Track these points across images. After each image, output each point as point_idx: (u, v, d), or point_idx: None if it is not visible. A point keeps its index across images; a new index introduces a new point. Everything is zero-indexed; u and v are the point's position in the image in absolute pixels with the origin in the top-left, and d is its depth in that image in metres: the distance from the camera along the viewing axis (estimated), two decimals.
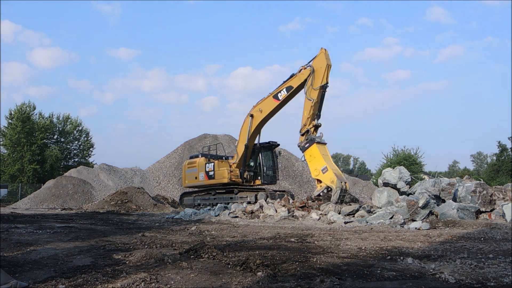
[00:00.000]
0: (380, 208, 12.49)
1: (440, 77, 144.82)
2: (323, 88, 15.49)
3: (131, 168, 32.33)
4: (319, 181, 15.02)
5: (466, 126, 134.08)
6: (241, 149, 18.65)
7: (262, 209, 13.97)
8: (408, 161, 37.65)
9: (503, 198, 12.09)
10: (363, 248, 6.39)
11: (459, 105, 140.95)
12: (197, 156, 20.96)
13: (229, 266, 4.82)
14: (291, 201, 15.28)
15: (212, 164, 19.49)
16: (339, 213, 12.39)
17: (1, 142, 36.81)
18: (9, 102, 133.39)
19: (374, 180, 36.46)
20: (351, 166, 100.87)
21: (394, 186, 13.78)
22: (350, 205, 13.44)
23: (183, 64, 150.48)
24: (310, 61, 16.00)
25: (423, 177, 28.32)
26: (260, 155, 19.39)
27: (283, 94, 16.84)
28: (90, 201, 24.77)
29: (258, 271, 4.39)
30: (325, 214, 12.54)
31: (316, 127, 15.67)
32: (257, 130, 18.40)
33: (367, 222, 10.76)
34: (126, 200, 19.98)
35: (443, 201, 12.15)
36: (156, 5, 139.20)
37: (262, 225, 10.89)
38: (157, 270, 4.68)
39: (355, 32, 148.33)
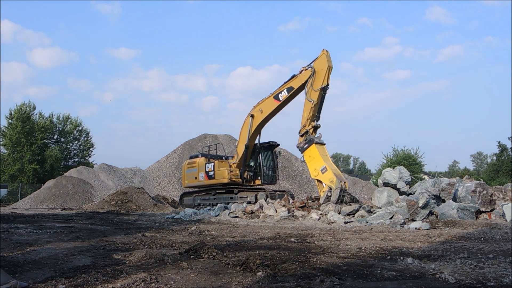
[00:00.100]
0: (380, 208, 12.49)
1: (440, 77, 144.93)
2: (324, 90, 15.52)
3: (131, 168, 32.34)
4: (319, 181, 15.04)
5: (466, 126, 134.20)
6: (241, 149, 18.66)
7: (262, 209, 13.97)
8: (408, 161, 37.66)
9: (503, 198, 12.09)
10: (363, 248, 6.39)
11: (459, 105, 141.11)
12: (197, 156, 20.97)
13: (229, 266, 4.82)
14: (291, 201, 15.29)
15: (212, 164, 19.50)
16: (339, 213, 12.39)
17: (1, 142, 36.85)
18: (9, 102, 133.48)
19: (374, 180, 36.47)
20: (351, 166, 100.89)
21: (394, 186, 13.78)
22: (350, 205, 13.44)
23: (183, 64, 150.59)
24: (311, 62, 16.02)
25: (423, 177, 28.33)
26: (260, 155, 19.40)
27: (283, 95, 16.86)
28: (90, 201, 24.78)
29: (258, 271, 4.40)
30: (325, 214, 12.54)
31: (315, 128, 15.70)
32: (258, 130, 18.41)
33: (367, 222, 10.76)
34: (126, 200, 19.98)
35: (443, 201, 12.15)
36: (155, 5, 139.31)
37: (262, 225, 10.89)
38: (157, 270, 4.68)
39: (355, 32, 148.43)
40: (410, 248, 6.35)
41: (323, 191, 14.61)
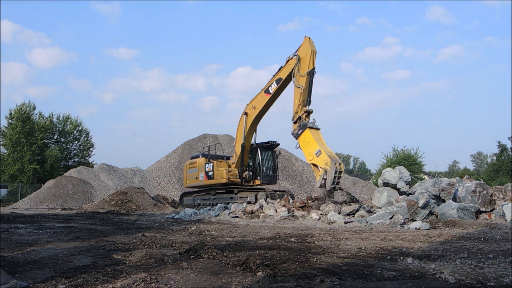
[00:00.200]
0: (380, 208, 12.50)
1: (440, 77, 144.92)
2: (311, 74, 15.65)
3: (131, 168, 32.34)
4: (315, 165, 14.92)
5: (466, 126, 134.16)
6: (238, 149, 18.67)
7: (262, 209, 13.97)
8: (408, 161, 37.65)
9: (503, 198, 12.09)
10: (363, 248, 6.39)
11: (459, 105, 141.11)
12: (197, 157, 21.00)
13: (229, 266, 4.82)
14: (291, 201, 15.28)
15: (211, 164, 19.52)
16: (339, 213, 12.40)
17: (1, 142, 36.85)
18: (9, 102, 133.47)
19: (374, 180, 36.45)
20: (351, 166, 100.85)
21: (394, 186, 13.79)
22: (350, 205, 13.44)
23: (183, 64, 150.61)
24: (296, 51, 16.22)
25: (423, 177, 28.33)
26: (259, 154, 19.36)
27: (273, 87, 17.01)
28: (90, 201, 24.78)
29: (258, 271, 4.40)
30: (325, 214, 12.55)
31: (308, 113, 15.67)
32: (253, 128, 18.42)
33: (367, 222, 10.76)
34: (126, 200, 19.98)
35: (443, 201, 12.15)
36: (155, 5, 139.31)
37: (262, 225, 10.89)
38: (157, 270, 4.68)
39: (355, 32, 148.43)
40: (410, 248, 6.35)
41: (319, 175, 14.54)
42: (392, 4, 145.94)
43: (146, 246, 6.67)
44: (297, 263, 5.05)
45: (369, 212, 12.12)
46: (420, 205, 10.53)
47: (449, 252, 5.82)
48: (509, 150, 41.76)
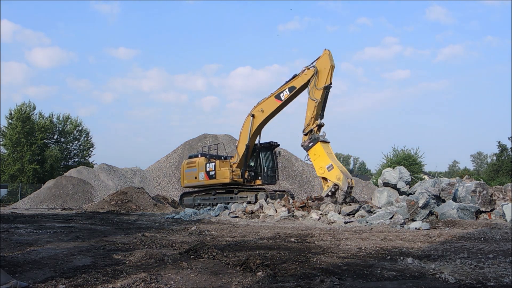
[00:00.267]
0: (380, 208, 12.50)
1: (440, 77, 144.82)
2: (327, 89, 15.59)
3: (131, 168, 32.35)
4: (325, 179, 15.04)
5: (466, 126, 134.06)
6: (241, 149, 18.65)
7: (262, 209, 13.97)
8: (408, 161, 37.64)
9: (503, 198, 12.09)
10: (363, 248, 6.40)
11: (459, 105, 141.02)
12: (196, 156, 20.93)
13: (229, 266, 4.82)
14: (291, 201, 15.28)
15: (213, 164, 19.47)
16: (339, 213, 12.40)
17: (1, 142, 36.86)
18: (9, 102, 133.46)
19: (374, 180, 36.46)
20: (351, 166, 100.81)
21: (394, 186, 13.79)
22: (350, 205, 13.45)
23: (183, 64, 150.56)
24: (313, 62, 16.06)
25: (423, 177, 28.35)
26: (260, 155, 19.40)
27: (285, 94, 16.86)
28: (90, 201, 24.79)
29: (258, 271, 4.40)
30: (325, 214, 12.55)
31: (319, 126, 15.75)
32: (258, 130, 18.40)
33: (367, 222, 10.76)
34: (126, 200, 19.99)
35: (443, 201, 12.15)
36: (154, 5, 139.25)
37: (262, 225, 10.89)
38: (157, 270, 4.69)
39: (354, 32, 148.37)
40: (410, 248, 6.35)
41: (327, 186, 14.60)
42: (392, 4, 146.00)
43: (146, 246, 6.68)
44: (297, 263, 5.05)
45: (369, 212, 12.12)
46: (420, 205, 10.54)
47: (449, 252, 5.82)
48: (509, 150, 41.76)
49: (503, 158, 42.14)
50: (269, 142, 19.57)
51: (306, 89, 16.03)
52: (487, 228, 8.66)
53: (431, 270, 4.59)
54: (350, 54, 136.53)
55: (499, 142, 42.70)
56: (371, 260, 5.28)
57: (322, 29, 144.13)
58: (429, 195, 11.26)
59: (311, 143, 15.37)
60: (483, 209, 11.39)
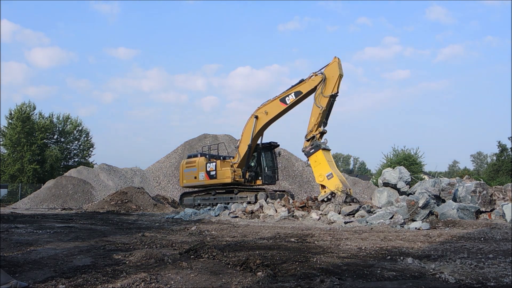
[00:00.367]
0: (380, 208, 12.49)
1: (440, 77, 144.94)
2: (333, 97, 15.57)
3: (131, 168, 32.34)
4: (323, 186, 15.09)
5: (466, 126, 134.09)
6: (243, 149, 18.62)
7: (262, 209, 13.97)
8: (408, 161, 37.64)
9: (503, 198, 12.09)
10: (363, 248, 6.39)
11: (459, 105, 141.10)
12: (195, 156, 20.88)
13: (229, 266, 4.82)
14: (291, 201, 15.28)
15: (214, 164, 19.44)
16: (339, 213, 12.39)
17: (1, 142, 36.86)
18: (9, 102, 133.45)
19: (374, 180, 36.46)
20: (351, 166, 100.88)
21: (394, 186, 13.78)
22: (350, 205, 13.43)
23: (183, 63, 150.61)
24: (322, 68, 15.97)
25: (423, 177, 28.35)
26: (261, 155, 19.43)
27: (291, 99, 16.80)
28: (90, 201, 24.78)
29: (258, 271, 4.40)
30: (325, 214, 12.54)
31: (322, 133, 15.74)
32: (261, 132, 18.38)
33: (367, 222, 10.76)
34: (126, 200, 19.98)
35: (443, 201, 12.15)
36: (154, 5, 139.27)
37: (262, 225, 10.89)
38: (157, 270, 4.68)
39: (354, 32, 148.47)
40: (410, 248, 6.35)
41: (325, 191, 14.65)
42: (392, 4, 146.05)
43: (146, 246, 6.68)
44: (297, 263, 5.05)
45: (369, 212, 12.12)
46: (420, 205, 10.53)
47: (449, 252, 5.82)
48: (509, 150, 41.76)
49: (503, 158, 42.14)
50: (269, 142, 19.58)
51: (312, 95, 16.01)
52: (487, 228, 8.66)
53: (431, 270, 4.59)
54: (350, 54, 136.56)
55: (499, 142, 42.75)
56: (371, 260, 5.28)
57: (322, 29, 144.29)
58: (429, 195, 11.26)
59: (313, 150, 15.37)
60: (483, 209, 11.39)
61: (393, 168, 14.81)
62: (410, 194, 13.03)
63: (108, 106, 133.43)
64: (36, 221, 12.33)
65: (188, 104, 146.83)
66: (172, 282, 4.14)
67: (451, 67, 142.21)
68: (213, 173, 19.33)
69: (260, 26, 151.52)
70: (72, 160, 41.18)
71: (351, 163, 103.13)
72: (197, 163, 20.12)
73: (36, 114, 38.49)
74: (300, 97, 16.58)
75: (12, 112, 36.60)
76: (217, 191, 19.72)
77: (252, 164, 19.41)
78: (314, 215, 12.48)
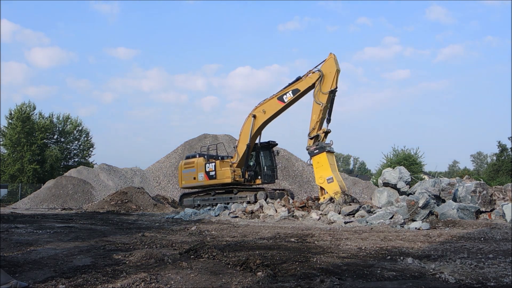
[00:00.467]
0: (380, 208, 12.50)
1: (440, 77, 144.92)
2: (333, 93, 15.54)
3: (131, 168, 32.32)
4: (322, 188, 15.11)
5: (466, 126, 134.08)
6: (241, 149, 18.63)
7: (262, 209, 13.97)
8: (408, 161, 37.63)
9: (503, 198, 12.09)
10: (363, 248, 6.39)
11: (459, 105, 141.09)
12: (194, 156, 20.83)
13: (229, 266, 4.82)
14: (291, 201, 15.29)
15: (213, 164, 19.42)
16: (339, 213, 12.40)
17: (1, 142, 36.86)
18: (9, 102, 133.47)
19: (374, 180, 36.45)
20: (351, 166, 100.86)
21: (394, 186, 13.79)
22: (350, 205, 13.43)
23: (183, 63, 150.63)
24: (318, 65, 15.99)
25: (423, 177, 28.35)
26: (259, 154, 19.42)
27: (289, 97, 16.80)
28: (90, 201, 24.78)
29: (258, 271, 4.40)
30: (325, 214, 12.54)
31: (326, 133, 15.70)
32: (259, 131, 18.38)
33: (367, 222, 10.76)
34: (126, 200, 19.98)
35: (443, 201, 12.15)
36: (154, 5, 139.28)
37: (262, 225, 10.89)
38: (157, 270, 4.68)
39: (354, 32, 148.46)
40: (410, 248, 6.35)
41: (324, 197, 14.64)
42: (392, 4, 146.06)
43: (146, 246, 6.68)
44: (297, 263, 5.05)
45: (369, 212, 12.12)
46: (420, 205, 10.54)
47: (449, 252, 5.82)
48: (509, 150, 41.76)
49: (503, 158, 42.14)
50: (268, 141, 19.59)
51: (311, 91, 16.00)
52: (487, 228, 8.66)
53: (431, 270, 4.59)
54: (350, 54, 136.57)
55: (499, 142, 42.76)
56: (371, 260, 5.28)
57: (322, 29, 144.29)
58: (429, 195, 11.26)
59: (317, 151, 15.32)
60: (483, 209, 11.39)
61: (393, 168, 14.81)
62: (410, 194, 13.03)
63: (108, 106, 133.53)
64: (36, 221, 12.33)
65: (188, 104, 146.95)
66: (172, 282, 4.14)
67: (451, 67, 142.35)
68: (212, 173, 19.31)
69: (260, 26, 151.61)
70: (72, 160, 41.19)
71: (351, 163, 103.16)
72: (196, 164, 20.07)
73: (36, 114, 38.54)
74: (298, 95, 16.59)
75: (12, 112, 36.61)
76: (217, 191, 19.71)
77: (251, 163, 19.39)
78: (314, 215, 12.48)
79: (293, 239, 7.57)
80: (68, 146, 41.21)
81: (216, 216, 14.18)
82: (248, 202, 16.97)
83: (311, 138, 15.81)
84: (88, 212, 18.10)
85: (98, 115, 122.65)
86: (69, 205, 24.32)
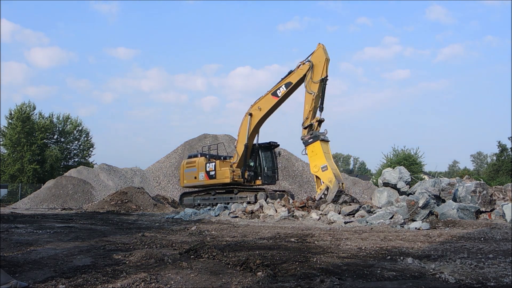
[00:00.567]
0: (380, 208, 12.50)
1: (440, 77, 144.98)
2: (323, 81, 15.68)
3: (131, 168, 32.33)
4: (317, 178, 15.21)
5: (466, 126, 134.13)
6: (240, 149, 18.66)
7: (262, 209, 13.97)
8: (408, 161, 37.62)
9: (503, 198, 12.09)
10: (363, 248, 6.39)
11: (459, 105, 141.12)
12: (196, 156, 20.91)
13: (229, 266, 4.82)
14: (291, 201, 15.29)
15: (213, 164, 19.46)
16: (339, 213, 12.40)
17: (1, 142, 36.86)
18: (9, 102, 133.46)
19: (374, 180, 36.45)
20: (351, 166, 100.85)
21: (394, 186, 13.78)
22: (350, 205, 13.43)
23: (182, 63, 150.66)
24: (308, 57, 16.25)
25: (423, 177, 28.35)
26: (260, 155, 19.42)
27: (282, 91, 16.97)
28: (90, 201, 24.78)
29: (258, 271, 4.40)
30: (325, 214, 12.54)
31: (320, 122, 15.75)
32: (256, 129, 18.42)
33: (367, 222, 10.76)
34: (126, 200, 19.98)
35: (443, 201, 12.15)
36: (154, 5, 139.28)
37: (262, 225, 10.89)
38: (157, 270, 4.68)
39: (354, 32, 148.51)
40: (410, 248, 6.35)
41: (320, 189, 14.72)
42: (392, 4, 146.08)
43: (146, 246, 6.67)
44: (297, 263, 5.05)
45: (369, 212, 12.12)
46: (420, 205, 10.53)
47: (449, 252, 5.82)
48: (509, 150, 41.74)
49: (503, 158, 42.13)
50: (269, 142, 19.59)
51: (303, 83, 16.09)
52: (487, 228, 8.66)
53: (431, 270, 4.59)
54: (350, 54, 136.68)
55: (499, 142, 42.74)
56: (371, 260, 5.28)
57: (322, 29, 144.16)
58: (429, 195, 11.26)
59: (311, 140, 15.40)
60: (483, 209, 11.39)
61: (393, 168, 14.81)
62: (410, 194, 13.03)
63: (108, 106, 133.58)
64: (36, 221, 12.33)
65: (188, 104, 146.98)
66: (172, 282, 4.14)
67: (451, 67, 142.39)
68: (212, 173, 19.35)
69: (260, 26, 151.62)
70: (72, 160, 41.19)
71: (351, 163, 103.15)
72: (197, 163, 20.15)
73: (36, 114, 38.55)
74: (291, 88, 16.74)
75: (12, 112, 36.61)
76: (217, 191, 19.73)
77: (252, 164, 19.40)
78: (314, 215, 12.48)
79: (293, 239, 7.57)
80: (68, 146, 41.21)
81: (216, 216, 14.18)
82: (248, 202, 16.97)
83: (305, 128, 15.88)
84: (88, 212, 18.11)
85: (98, 115, 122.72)
86: (69, 205, 24.32)
